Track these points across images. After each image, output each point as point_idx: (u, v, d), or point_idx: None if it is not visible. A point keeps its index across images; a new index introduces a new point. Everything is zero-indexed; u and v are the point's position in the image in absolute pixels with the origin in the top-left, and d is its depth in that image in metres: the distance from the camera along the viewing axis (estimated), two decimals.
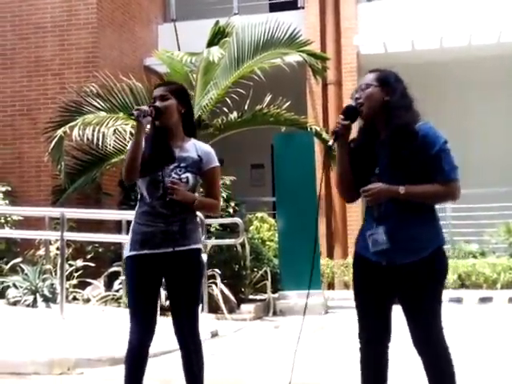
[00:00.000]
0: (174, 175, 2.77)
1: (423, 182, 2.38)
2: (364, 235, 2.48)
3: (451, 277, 8.34)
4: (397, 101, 2.42)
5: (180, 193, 2.73)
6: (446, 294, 8.37)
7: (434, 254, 2.38)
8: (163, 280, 2.88)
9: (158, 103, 2.78)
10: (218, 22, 7.60)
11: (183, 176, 2.77)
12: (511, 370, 4.10)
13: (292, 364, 2.68)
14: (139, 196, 2.87)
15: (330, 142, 2.46)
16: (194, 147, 2.85)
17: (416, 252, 2.36)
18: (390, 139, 2.40)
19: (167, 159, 2.78)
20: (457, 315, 6.82)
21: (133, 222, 2.87)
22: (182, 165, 2.79)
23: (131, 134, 7.33)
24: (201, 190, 3.06)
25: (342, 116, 2.45)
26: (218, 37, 7.48)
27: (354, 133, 2.54)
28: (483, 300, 7.61)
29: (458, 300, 7.69)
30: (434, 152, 2.37)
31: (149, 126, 2.83)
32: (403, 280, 2.39)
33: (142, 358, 2.83)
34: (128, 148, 2.83)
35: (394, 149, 2.37)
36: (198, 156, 2.82)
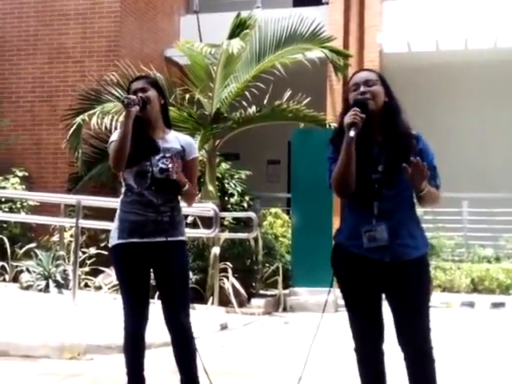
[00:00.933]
0: (161, 165, 2.82)
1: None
2: (355, 233, 2.43)
3: (464, 281, 8.26)
4: (397, 104, 2.47)
5: (177, 173, 2.79)
6: (459, 298, 8.36)
7: (426, 254, 2.48)
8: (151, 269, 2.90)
9: (141, 95, 2.82)
10: (239, 14, 7.57)
11: (170, 166, 2.83)
12: None
13: (305, 360, 2.66)
14: (124, 187, 2.89)
15: (352, 134, 2.34)
16: (176, 138, 2.94)
17: (414, 250, 2.42)
18: (391, 142, 2.43)
19: (152, 150, 2.83)
20: (469, 319, 6.76)
21: (118, 211, 2.89)
22: (167, 155, 2.85)
23: None
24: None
25: (358, 109, 2.38)
26: (239, 29, 7.44)
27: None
28: (496, 305, 7.52)
29: (471, 304, 7.61)
30: (431, 159, 2.46)
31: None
32: (400, 277, 2.39)
33: (138, 344, 2.88)
34: (115, 137, 2.82)
35: (396, 151, 2.41)
36: (181, 146, 2.91)
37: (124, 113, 2.77)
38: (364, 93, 2.42)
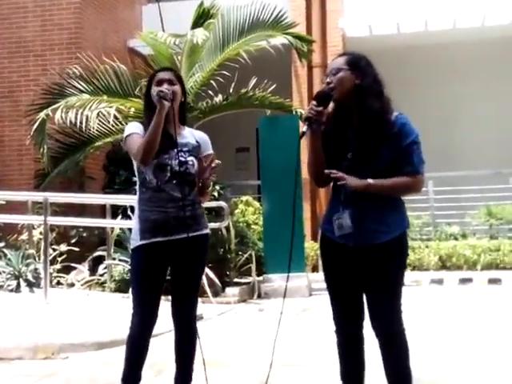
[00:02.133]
0: (180, 158, 2.80)
1: (392, 170, 2.41)
2: (330, 218, 2.49)
3: (432, 258, 8.46)
4: (369, 85, 2.41)
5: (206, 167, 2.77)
6: (428, 276, 8.57)
7: (400, 237, 2.44)
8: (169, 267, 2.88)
9: (168, 87, 2.77)
10: (202, 4, 7.51)
11: (189, 159, 2.82)
12: (488, 348, 4.19)
13: (273, 347, 2.70)
14: (140, 182, 2.83)
15: (304, 129, 2.41)
16: (191, 134, 2.94)
17: (382, 235, 2.40)
18: (363, 126, 2.40)
19: (171, 144, 2.79)
20: (438, 296, 6.94)
21: (137, 211, 2.82)
22: (184, 149, 2.84)
23: (115, 117, 7.26)
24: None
25: (314, 102, 2.41)
26: (202, 18, 7.40)
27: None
28: (463, 281, 7.73)
29: (439, 281, 7.81)
30: (407, 143, 2.40)
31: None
32: (369, 261, 2.42)
33: (143, 346, 2.85)
34: (133, 129, 2.80)
35: (366, 135, 2.38)
36: (197, 142, 2.90)
37: (158, 106, 2.71)
38: (329, 83, 2.43)
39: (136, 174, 2.87)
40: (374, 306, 2.44)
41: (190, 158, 2.82)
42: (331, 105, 2.48)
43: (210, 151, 2.95)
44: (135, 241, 2.82)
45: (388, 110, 2.42)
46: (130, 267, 3.00)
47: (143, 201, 2.80)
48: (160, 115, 2.70)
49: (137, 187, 2.87)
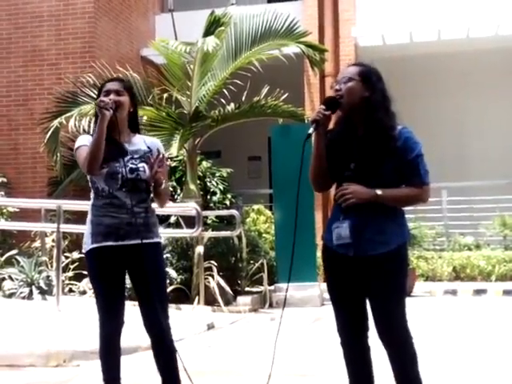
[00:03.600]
0: (131, 165, 2.85)
1: (393, 182, 2.43)
2: (329, 226, 2.50)
3: (446, 269, 8.38)
4: (377, 100, 2.44)
5: (157, 170, 2.81)
6: (441, 286, 8.50)
7: (400, 248, 2.45)
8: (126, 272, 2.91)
9: (113, 96, 2.83)
10: (213, 12, 7.54)
11: (140, 165, 2.87)
12: (501, 361, 4.13)
13: (272, 356, 2.69)
14: (93, 189, 2.89)
15: (310, 130, 2.42)
16: (141, 140, 2.99)
17: (382, 245, 2.41)
18: (367, 138, 2.43)
19: (121, 152, 2.85)
20: (451, 307, 6.86)
21: (90, 216, 2.87)
22: (135, 156, 2.89)
23: None
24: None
25: (323, 106, 2.44)
26: (213, 27, 7.42)
27: (331, 125, 2.53)
28: (478, 292, 7.65)
29: (453, 292, 7.73)
30: (413, 156, 2.43)
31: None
32: (370, 271, 2.42)
33: (115, 349, 2.88)
34: (83, 142, 2.86)
35: (370, 148, 2.41)
36: (148, 147, 2.95)
37: (99, 116, 2.78)
38: (338, 90, 2.45)
39: (89, 182, 2.92)
40: (378, 316, 2.43)
41: (141, 165, 2.87)
42: (338, 112, 2.50)
43: (161, 152, 2.99)
44: (87, 244, 2.86)
45: (394, 125, 2.44)
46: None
47: (96, 207, 2.85)
48: (101, 124, 2.76)
49: (91, 194, 2.91)
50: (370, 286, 2.43)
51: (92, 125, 7.11)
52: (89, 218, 2.89)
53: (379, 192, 2.37)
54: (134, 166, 2.85)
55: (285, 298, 3.05)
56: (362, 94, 2.43)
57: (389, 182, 2.42)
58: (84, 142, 2.87)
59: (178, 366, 2.89)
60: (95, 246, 2.82)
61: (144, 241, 2.81)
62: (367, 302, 2.50)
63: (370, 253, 2.40)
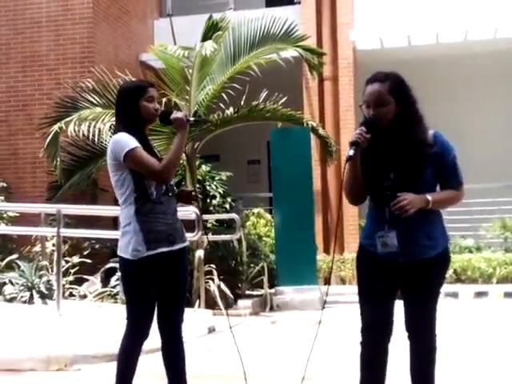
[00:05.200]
0: None
1: (432, 186, 2.49)
2: (372, 234, 2.52)
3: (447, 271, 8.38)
4: (409, 113, 2.48)
5: (193, 195, 2.97)
6: (442, 289, 8.46)
7: (445, 251, 2.53)
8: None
9: (158, 106, 2.88)
10: (211, 17, 7.57)
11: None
12: (504, 364, 4.12)
13: (307, 360, 2.69)
14: (137, 193, 2.78)
15: (351, 153, 2.41)
16: None
17: (431, 249, 2.47)
18: (405, 148, 2.45)
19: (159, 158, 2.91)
20: (453, 310, 6.85)
21: (135, 223, 2.76)
22: None
23: None
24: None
25: (364, 128, 2.43)
26: (211, 31, 7.44)
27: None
28: (479, 294, 7.64)
29: (454, 295, 7.72)
30: (450, 160, 2.50)
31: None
32: (418, 274, 2.47)
33: (137, 356, 2.84)
34: (135, 143, 2.77)
35: (410, 157, 2.44)
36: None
37: (182, 128, 2.81)
38: (375, 115, 2.45)
39: (129, 186, 2.79)
40: (417, 316, 2.50)
41: None
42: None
43: None
44: (139, 252, 2.75)
45: (426, 133, 2.48)
46: (125, 279, 2.89)
47: (143, 212, 2.77)
48: (185, 136, 2.84)
49: (126, 197, 2.79)
50: (414, 287, 2.48)
51: (92, 129, 7.14)
52: (132, 225, 2.76)
53: (430, 197, 2.41)
54: None
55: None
56: (395, 110, 2.45)
57: (429, 187, 2.48)
58: (135, 142, 2.77)
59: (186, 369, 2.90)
60: (151, 253, 2.75)
61: (183, 244, 2.87)
62: (395, 304, 2.54)
63: (420, 257, 2.45)
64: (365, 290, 2.56)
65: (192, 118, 2.96)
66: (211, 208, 7.68)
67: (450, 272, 8.34)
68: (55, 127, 7.29)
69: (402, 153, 2.45)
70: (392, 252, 2.46)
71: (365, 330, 2.55)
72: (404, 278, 2.49)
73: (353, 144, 2.42)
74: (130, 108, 2.83)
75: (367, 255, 2.56)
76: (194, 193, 2.93)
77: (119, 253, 2.83)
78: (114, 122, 7.30)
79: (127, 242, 2.77)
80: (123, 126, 2.86)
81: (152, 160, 2.76)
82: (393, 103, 2.45)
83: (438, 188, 2.55)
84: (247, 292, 7.24)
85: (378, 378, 2.55)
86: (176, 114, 2.82)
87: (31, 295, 6.44)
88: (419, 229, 2.45)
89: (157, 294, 2.83)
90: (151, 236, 2.76)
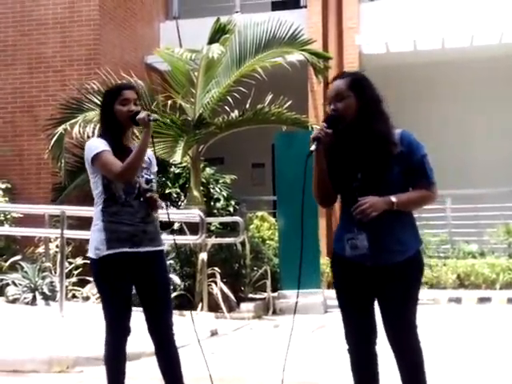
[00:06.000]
0: (146, 176, 2.92)
1: (401, 186, 2.43)
2: (341, 237, 2.48)
3: (450, 277, 8.34)
4: (371, 108, 2.44)
5: (159, 204, 2.89)
6: (446, 294, 8.45)
7: (416, 255, 2.47)
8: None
9: (134, 107, 2.86)
10: (218, 20, 7.58)
11: (152, 177, 2.95)
12: (506, 368, 4.10)
13: (284, 364, 2.67)
14: (106, 196, 2.86)
15: (312, 148, 2.41)
16: None
17: (400, 253, 2.41)
18: (370, 148, 2.42)
19: None
20: (456, 315, 6.83)
21: (101, 222, 2.84)
22: (143, 166, 2.93)
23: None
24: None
25: (325, 124, 2.44)
26: (218, 34, 7.46)
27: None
28: (482, 300, 7.61)
29: (457, 300, 7.69)
30: (418, 158, 2.44)
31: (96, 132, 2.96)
32: (387, 278, 2.42)
33: (121, 356, 2.88)
34: (103, 147, 2.84)
35: (375, 156, 2.40)
36: (148, 158, 3.00)
37: (147, 129, 2.80)
38: (334, 110, 2.44)
39: (99, 188, 2.87)
40: (392, 323, 2.43)
41: (152, 176, 2.95)
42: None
43: (156, 168, 3.05)
44: (100, 250, 2.81)
45: (390, 130, 2.44)
46: (93, 278, 3.03)
47: (109, 213, 2.83)
48: (147, 137, 2.80)
49: (98, 199, 2.88)
50: (386, 292, 2.43)
51: (96, 131, 7.16)
52: (99, 224, 2.84)
53: (394, 199, 2.36)
54: (148, 177, 2.91)
55: (295, 307, 2.99)
56: (356, 106, 2.43)
57: (397, 187, 2.42)
58: (103, 146, 2.85)
59: (183, 372, 2.89)
60: (111, 252, 2.80)
61: (155, 248, 2.87)
62: (375, 309, 2.50)
63: (389, 262, 2.40)
64: (341, 296, 2.53)
65: (154, 116, 2.85)
66: (215, 211, 7.69)
67: (453, 277, 8.32)
68: (60, 129, 7.31)
69: (367, 151, 2.41)
70: (360, 255, 2.41)
71: (347, 337, 2.53)
72: (374, 283, 2.44)
73: (314, 139, 2.40)
74: (106, 113, 2.90)
75: (338, 259, 2.53)
76: (159, 202, 2.88)
77: (88, 252, 2.92)
78: None
79: (92, 241, 2.87)
80: (102, 131, 2.99)
81: (114, 162, 2.81)
82: (352, 97, 2.43)
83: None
84: (250, 295, 7.23)
85: (370, 382, 2.52)
86: (140, 115, 2.82)
87: (34, 296, 6.45)
88: (389, 233, 2.41)
89: (140, 299, 2.90)
90: (113, 236, 2.81)
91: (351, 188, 2.43)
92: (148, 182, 2.90)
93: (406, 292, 2.43)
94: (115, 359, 2.88)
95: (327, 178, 2.47)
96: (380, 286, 2.44)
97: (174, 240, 4.80)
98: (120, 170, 2.77)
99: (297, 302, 3.01)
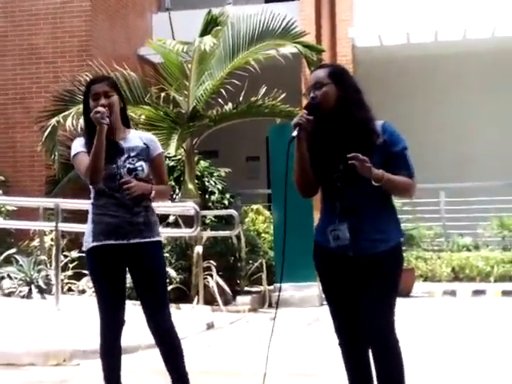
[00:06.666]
0: (128, 165, 2.84)
1: None
2: (324, 230, 2.48)
3: (445, 270, 8.40)
4: (351, 97, 2.45)
5: (136, 188, 2.78)
6: (440, 287, 8.50)
7: (396, 246, 2.46)
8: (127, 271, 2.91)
9: (104, 101, 2.80)
10: (210, 11, 7.54)
11: (138, 164, 2.86)
12: (501, 362, 4.14)
13: (266, 356, 2.64)
14: (93, 191, 2.88)
15: (294, 134, 2.42)
16: (137, 137, 2.96)
17: (381, 242, 2.41)
18: (351, 137, 2.42)
19: (116, 152, 2.84)
20: (451, 308, 6.88)
21: (91, 215, 2.87)
22: (132, 154, 2.87)
23: None
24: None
25: (305, 111, 2.45)
26: (210, 26, 7.42)
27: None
28: (476, 293, 7.66)
29: (452, 293, 7.75)
30: (400, 149, 2.45)
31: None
32: (369, 269, 2.41)
33: (116, 348, 2.87)
34: (78, 149, 2.83)
35: (355, 146, 2.39)
36: (144, 144, 2.92)
37: (97, 127, 2.73)
38: (314, 98, 2.45)
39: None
40: (370, 316, 2.39)
41: (139, 164, 2.86)
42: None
43: (159, 150, 2.97)
44: (87, 243, 2.86)
45: (371, 118, 2.46)
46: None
47: (96, 206, 2.86)
48: (100, 137, 2.74)
49: (91, 194, 2.90)
50: (367, 284, 2.40)
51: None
52: (89, 216, 2.88)
53: (381, 173, 2.34)
54: (131, 166, 2.84)
55: (278, 298, 2.99)
56: (336, 95, 2.45)
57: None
58: (79, 148, 2.85)
59: (186, 364, 2.88)
60: (96, 244, 2.81)
61: (145, 240, 2.82)
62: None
63: (371, 251, 2.40)
64: (327, 290, 2.53)
65: (107, 120, 2.75)
66: (210, 204, 7.67)
67: (448, 270, 8.37)
68: (53, 121, 7.25)
69: (348, 140, 2.41)
70: (343, 246, 2.41)
71: (337, 331, 2.52)
72: (357, 274, 2.42)
73: (295, 126, 2.42)
74: (84, 109, 2.88)
75: (321, 252, 2.51)
76: (130, 185, 2.77)
77: None
78: None
79: (85, 233, 2.90)
80: (84, 129, 2.98)
81: (82, 164, 2.81)
82: (331, 85, 2.45)
83: None
84: (246, 288, 7.23)
85: (362, 375, 2.51)
86: (92, 113, 2.76)
87: (30, 290, 6.42)
88: (370, 223, 2.41)
89: (135, 291, 2.89)
90: (98, 228, 2.82)
91: (333, 179, 2.44)
92: (131, 171, 2.83)
93: (386, 284, 2.41)
94: (108, 352, 2.87)
95: (309, 165, 2.46)
96: (362, 278, 2.42)
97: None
98: (83, 173, 2.79)
99: (279, 296, 3.00)
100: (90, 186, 2.89)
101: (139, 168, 2.84)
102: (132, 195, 2.77)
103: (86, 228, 2.89)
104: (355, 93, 2.47)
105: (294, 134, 2.42)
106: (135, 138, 2.93)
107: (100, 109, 2.74)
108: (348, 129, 2.42)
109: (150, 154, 2.91)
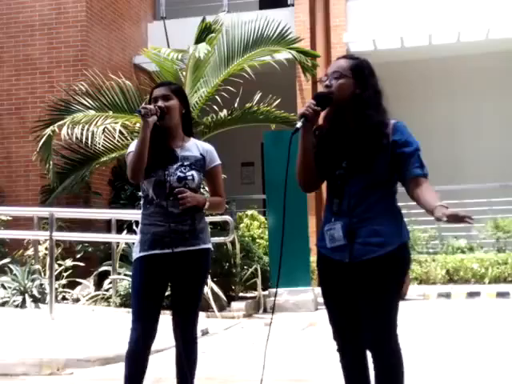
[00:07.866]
0: (179, 173, 2.78)
1: (385, 178, 2.33)
2: (322, 233, 2.40)
3: (439, 272, 8.40)
4: (369, 97, 2.32)
5: (191, 200, 2.73)
6: (435, 289, 8.48)
7: (399, 250, 2.32)
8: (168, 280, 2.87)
9: (161, 103, 2.79)
10: (204, 19, 7.58)
11: (188, 174, 2.80)
12: (497, 364, 4.14)
13: (263, 361, 2.64)
14: (144, 197, 2.86)
15: (298, 125, 2.29)
16: (195, 146, 2.90)
17: (379, 247, 2.28)
18: (359, 137, 2.32)
19: (170, 159, 2.80)
20: (446, 310, 6.88)
21: (140, 225, 2.86)
22: (185, 163, 2.82)
23: (121, 132, 7.31)
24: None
25: (313, 101, 2.32)
26: (205, 33, 7.46)
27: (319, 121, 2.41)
28: (471, 295, 7.67)
29: (447, 295, 7.75)
30: (412, 150, 2.33)
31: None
32: (366, 276, 2.29)
33: (144, 359, 2.81)
34: (133, 147, 2.79)
35: (363, 145, 2.30)
36: (201, 155, 2.87)
37: (142, 123, 2.74)
38: (328, 86, 2.32)
39: (141, 191, 2.92)
40: (368, 323, 2.31)
41: (190, 173, 2.80)
42: (327, 108, 2.39)
43: (217, 162, 2.91)
44: (135, 253, 2.85)
45: (385, 122, 2.34)
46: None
47: (145, 215, 2.84)
48: (144, 132, 2.71)
49: (141, 202, 2.91)
50: (364, 293, 2.31)
51: (85, 132, 7.14)
52: (139, 227, 2.88)
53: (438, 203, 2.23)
54: (182, 175, 2.78)
55: (274, 304, 2.97)
56: (353, 90, 2.32)
57: (381, 178, 2.33)
58: (132, 147, 2.81)
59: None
60: (142, 254, 2.79)
61: (189, 248, 2.77)
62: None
63: (365, 257, 2.28)
64: (325, 295, 2.46)
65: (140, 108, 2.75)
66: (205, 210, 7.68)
67: (442, 272, 8.37)
68: (48, 130, 7.29)
69: (356, 139, 2.30)
70: (339, 249, 2.31)
71: (335, 336, 2.46)
72: (354, 281, 2.31)
73: (301, 116, 2.28)
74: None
75: (322, 259, 2.42)
76: (184, 195, 2.73)
77: None
78: (106, 125, 7.35)
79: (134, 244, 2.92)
80: None
81: (129, 161, 2.81)
82: (349, 79, 2.31)
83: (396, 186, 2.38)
84: (241, 294, 7.24)
85: (360, 380, 2.46)
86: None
87: (24, 299, 6.42)
88: (364, 224, 2.29)
89: (170, 298, 2.86)
90: (146, 238, 2.80)
91: (334, 176, 2.35)
92: (181, 179, 2.77)
93: (384, 291, 2.29)
94: (133, 360, 2.79)
95: (312, 159, 2.35)
96: (357, 285, 2.32)
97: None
98: (128, 169, 2.78)
99: (275, 301, 2.99)
100: (141, 195, 2.87)
101: (189, 177, 2.78)
102: (185, 206, 2.71)
103: (136, 239, 2.90)
104: (374, 92, 2.34)
105: (299, 125, 2.29)
106: (193, 147, 2.87)
107: (148, 106, 2.75)
108: (359, 128, 2.32)
109: (206, 166, 2.86)
